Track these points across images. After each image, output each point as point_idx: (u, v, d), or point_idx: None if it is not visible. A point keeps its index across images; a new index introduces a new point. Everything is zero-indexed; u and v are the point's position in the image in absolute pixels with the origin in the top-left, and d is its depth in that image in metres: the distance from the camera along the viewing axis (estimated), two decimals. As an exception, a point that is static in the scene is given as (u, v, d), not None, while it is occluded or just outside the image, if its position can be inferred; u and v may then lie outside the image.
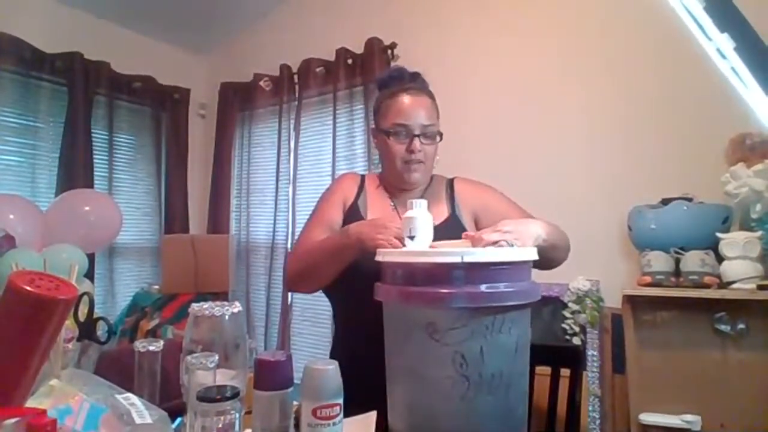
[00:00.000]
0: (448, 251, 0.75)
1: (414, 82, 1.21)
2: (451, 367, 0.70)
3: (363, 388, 0.77)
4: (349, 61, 2.69)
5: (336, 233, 1.10)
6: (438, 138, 1.17)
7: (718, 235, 1.56)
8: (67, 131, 2.67)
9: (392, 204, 1.22)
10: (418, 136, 1.13)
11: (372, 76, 2.57)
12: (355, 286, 1.03)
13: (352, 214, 1.18)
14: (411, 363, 0.75)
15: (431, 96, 1.20)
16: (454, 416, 0.71)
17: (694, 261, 1.57)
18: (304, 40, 2.92)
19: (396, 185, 1.22)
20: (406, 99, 1.15)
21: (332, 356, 1.22)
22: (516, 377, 0.74)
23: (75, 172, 2.66)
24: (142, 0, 2.83)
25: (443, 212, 1.19)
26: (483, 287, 0.71)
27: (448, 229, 1.08)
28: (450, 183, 1.26)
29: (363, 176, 1.27)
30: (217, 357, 0.72)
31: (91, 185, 2.73)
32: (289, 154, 2.96)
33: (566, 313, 1.92)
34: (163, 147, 3.22)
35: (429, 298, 0.72)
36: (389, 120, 1.15)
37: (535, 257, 0.79)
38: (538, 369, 1.14)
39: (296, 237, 2.84)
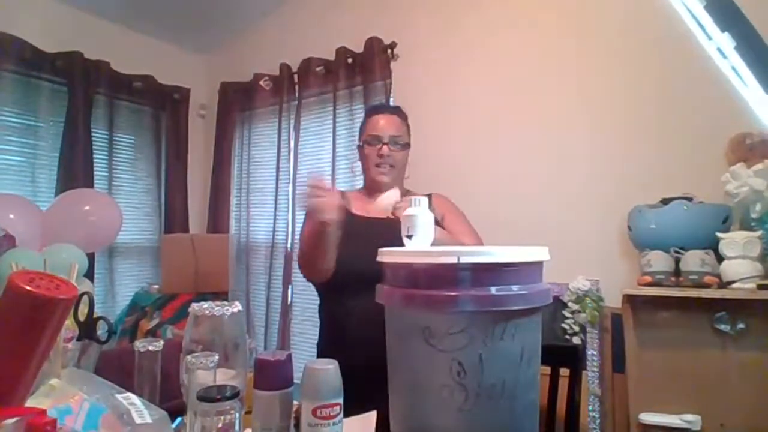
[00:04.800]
0: (445, 251, 0.71)
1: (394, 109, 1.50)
2: (448, 376, 0.66)
3: (349, 384, 0.76)
4: (349, 61, 2.69)
5: None
6: (406, 147, 1.41)
7: (718, 234, 1.56)
8: (67, 131, 2.67)
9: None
10: (387, 143, 1.37)
11: (372, 75, 2.57)
12: (343, 280, 1.20)
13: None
14: (408, 368, 0.72)
15: (402, 117, 1.46)
16: (451, 428, 0.67)
17: (694, 261, 1.57)
18: (304, 40, 2.92)
19: (371, 187, 1.43)
20: (378, 117, 1.43)
21: (318, 349, 1.32)
22: (522, 388, 0.68)
23: (75, 171, 2.66)
24: (143, 0, 2.83)
25: None
26: (480, 290, 0.66)
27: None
28: (429, 196, 1.36)
29: (340, 191, 1.47)
30: (217, 357, 0.72)
31: (91, 185, 2.73)
32: (289, 154, 2.95)
33: (566, 313, 1.92)
34: (163, 147, 3.21)
35: (424, 302, 0.68)
36: (365, 133, 1.42)
37: (546, 257, 0.73)
38: (538, 369, 1.14)
39: (296, 237, 2.87)
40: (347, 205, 1.36)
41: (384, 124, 1.40)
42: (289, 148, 2.96)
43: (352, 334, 1.16)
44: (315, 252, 1.22)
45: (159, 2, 2.86)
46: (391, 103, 2.40)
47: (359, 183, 1.59)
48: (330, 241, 1.19)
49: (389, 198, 1.23)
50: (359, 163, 1.48)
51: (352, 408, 0.81)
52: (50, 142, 2.67)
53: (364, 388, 0.81)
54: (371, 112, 1.49)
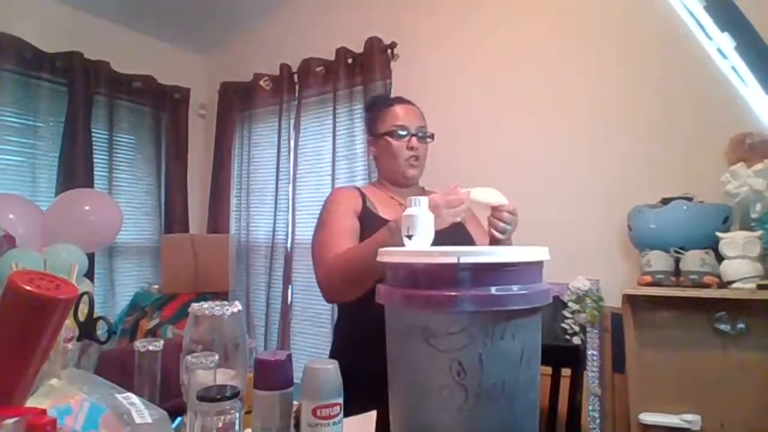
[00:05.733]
0: (445, 251, 0.70)
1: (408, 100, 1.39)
2: (448, 376, 0.65)
3: (364, 387, 0.77)
4: (349, 61, 2.69)
5: (381, 232, 1.08)
6: (429, 139, 1.33)
7: (718, 234, 1.56)
8: (67, 131, 2.67)
9: (400, 204, 1.28)
10: (415, 135, 1.29)
11: (372, 75, 2.57)
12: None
13: (368, 216, 1.23)
14: (408, 369, 0.72)
15: (418, 108, 1.37)
16: (451, 428, 0.67)
17: (694, 260, 1.57)
18: (304, 40, 2.92)
19: (396, 182, 1.33)
20: (400, 106, 1.33)
21: (333, 354, 1.25)
22: (523, 388, 0.68)
23: (75, 171, 2.66)
24: (143, 0, 2.83)
25: None
26: (480, 290, 0.66)
27: (456, 231, 1.16)
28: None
29: (357, 187, 1.38)
30: (217, 356, 0.72)
31: (91, 185, 2.73)
32: (289, 154, 2.95)
33: (566, 313, 1.92)
34: (163, 147, 3.22)
35: (423, 302, 0.68)
36: (388, 123, 1.30)
37: (546, 257, 0.72)
38: (539, 369, 1.14)
39: (296, 237, 2.87)
40: (371, 206, 1.27)
41: (408, 114, 1.31)
42: (289, 148, 2.96)
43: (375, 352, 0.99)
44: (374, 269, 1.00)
45: (159, 2, 2.86)
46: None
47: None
48: None
49: (496, 197, 1.10)
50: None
51: (355, 410, 0.81)
52: (50, 142, 2.67)
53: (378, 400, 0.80)
54: (388, 102, 1.38)
